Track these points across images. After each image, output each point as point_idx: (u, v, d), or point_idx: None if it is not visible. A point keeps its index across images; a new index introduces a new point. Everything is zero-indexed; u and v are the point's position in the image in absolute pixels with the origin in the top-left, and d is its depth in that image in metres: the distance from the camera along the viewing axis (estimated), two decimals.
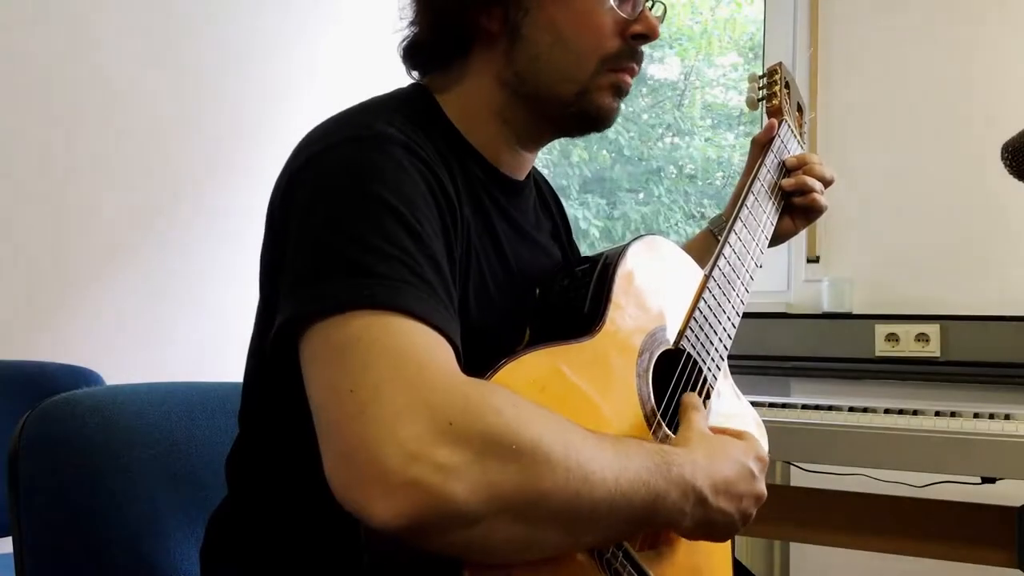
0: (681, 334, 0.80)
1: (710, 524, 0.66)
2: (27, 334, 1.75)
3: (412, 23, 0.82)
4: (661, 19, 0.85)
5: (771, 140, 1.05)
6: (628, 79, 0.81)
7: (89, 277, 1.87)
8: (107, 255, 1.91)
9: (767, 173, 1.03)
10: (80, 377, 1.54)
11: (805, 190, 1.03)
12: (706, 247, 1.03)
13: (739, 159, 0.97)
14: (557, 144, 2.93)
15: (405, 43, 0.82)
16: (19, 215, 1.75)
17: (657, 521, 0.62)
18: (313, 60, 2.40)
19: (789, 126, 1.10)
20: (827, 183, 1.06)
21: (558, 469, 0.55)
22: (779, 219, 1.04)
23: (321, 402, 0.58)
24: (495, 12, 0.78)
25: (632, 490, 0.59)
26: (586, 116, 0.80)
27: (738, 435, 0.74)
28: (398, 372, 0.56)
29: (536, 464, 0.55)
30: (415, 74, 0.84)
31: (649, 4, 0.82)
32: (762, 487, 0.72)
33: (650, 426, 0.72)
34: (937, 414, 1.46)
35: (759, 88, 1.11)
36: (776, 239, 1.04)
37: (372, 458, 0.53)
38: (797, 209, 1.05)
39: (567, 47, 0.77)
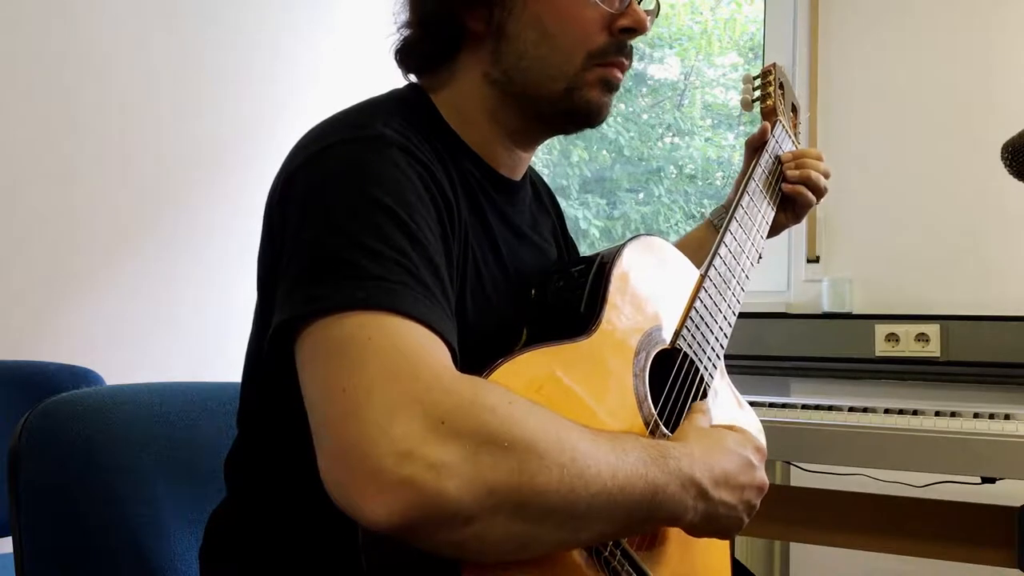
0: (677, 334, 0.80)
1: (714, 518, 0.66)
2: (27, 334, 1.75)
3: (403, 26, 0.82)
4: (655, 13, 0.84)
5: (765, 142, 1.06)
6: (617, 73, 0.80)
7: (89, 277, 1.88)
8: (107, 255, 1.91)
9: (762, 172, 1.03)
10: (80, 377, 1.54)
11: (808, 180, 1.04)
12: (707, 238, 1.04)
13: (739, 159, 0.98)
14: (557, 144, 2.92)
15: (397, 46, 0.83)
16: (19, 215, 1.75)
17: (660, 515, 0.62)
18: (315, 60, 2.41)
19: (783, 126, 1.10)
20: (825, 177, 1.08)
21: (553, 465, 0.55)
22: (775, 214, 1.04)
23: (315, 402, 0.58)
24: (480, 12, 0.78)
25: (630, 484, 0.59)
26: (576, 112, 0.80)
27: (732, 428, 0.75)
28: (391, 371, 0.56)
29: (530, 461, 0.55)
30: (410, 76, 0.84)
31: None
32: (763, 477, 0.72)
33: (647, 425, 0.72)
34: (937, 414, 1.46)
35: (753, 89, 1.12)
36: (771, 231, 1.05)
37: (365, 457, 0.53)
38: (795, 203, 1.06)
39: (552, 44, 0.77)
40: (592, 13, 0.78)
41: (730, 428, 0.74)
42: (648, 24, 0.80)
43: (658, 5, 0.85)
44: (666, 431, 0.74)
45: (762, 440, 0.86)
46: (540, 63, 0.77)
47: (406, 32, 0.82)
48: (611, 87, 0.80)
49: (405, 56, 0.83)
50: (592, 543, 0.63)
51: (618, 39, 0.79)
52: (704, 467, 0.65)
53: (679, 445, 0.66)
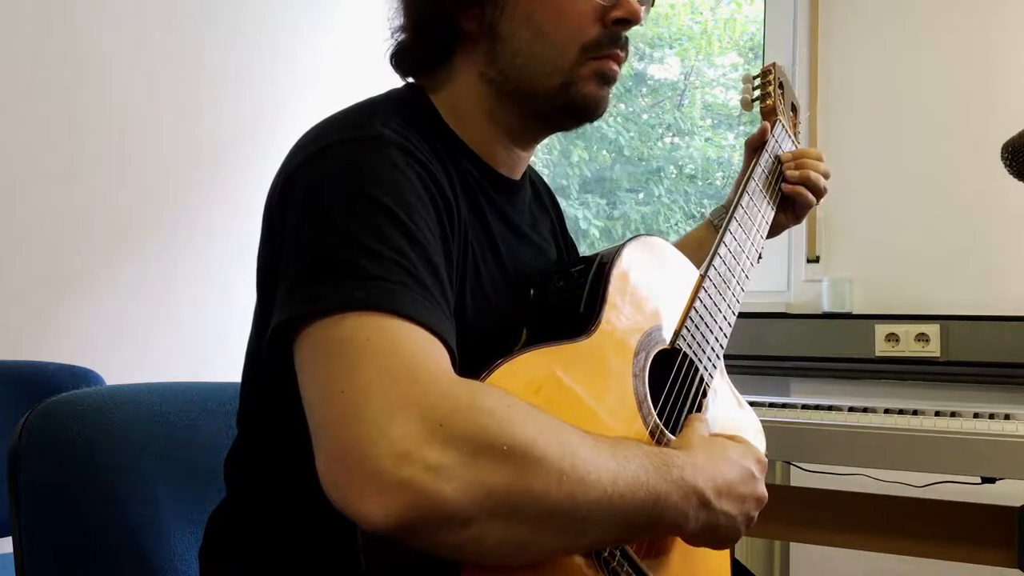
0: (677, 334, 0.80)
1: (714, 528, 0.66)
2: (27, 334, 1.75)
3: (397, 30, 0.82)
4: (650, 3, 0.83)
5: (765, 142, 1.06)
6: (613, 66, 0.80)
7: (89, 277, 1.88)
8: (107, 255, 1.91)
9: (762, 172, 1.03)
10: (80, 377, 1.54)
11: (807, 181, 1.04)
12: (707, 238, 1.04)
13: (739, 159, 0.99)
14: (557, 144, 2.92)
15: (392, 50, 0.83)
16: (19, 215, 1.75)
17: (661, 524, 0.62)
18: (315, 60, 2.41)
19: (783, 126, 1.10)
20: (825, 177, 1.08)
21: (552, 471, 0.55)
22: (775, 214, 1.04)
23: (313, 402, 0.58)
24: (472, 13, 0.78)
25: (630, 492, 0.59)
26: (573, 107, 0.79)
27: (733, 438, 0.74)
28: (389, 372, 0.55)
29: (528, 465, 0.55)
30: (409, 80, 0.84)
31: None
32: (763, 489, 0.72)
33: (647, 426, 0.72)
34: (937, 414, 1.46)
35: (753, 89, 1.12)
36: (771, 232, 1.05)
37: (363, 458, 0.52)
38: (795, 203, 1.06)
39: (546, 39, 0.77)
40: (584, 6, 0.77)
41: (732, 438, 0.74)
42: (642, 14, 0.79)
43: None
44: (665, 431, 0.74)
45: (762, 443, 0.86)
46: (534, 60, 0.77)
47: (401, 36, 0.82)
48: (607, 80, 0.80)
49: (401, 60, 0.83)
50: (593, 548, 0.63)
51: (612, 31, 0.78)
52: (707, 477, 0.65)
53: (682, 454, 0.66)
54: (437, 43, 0.80)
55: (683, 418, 0.77)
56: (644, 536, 0.68)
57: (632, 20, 0.79)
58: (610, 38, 0.79)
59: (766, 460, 0.75)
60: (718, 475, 0.66)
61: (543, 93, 0.78)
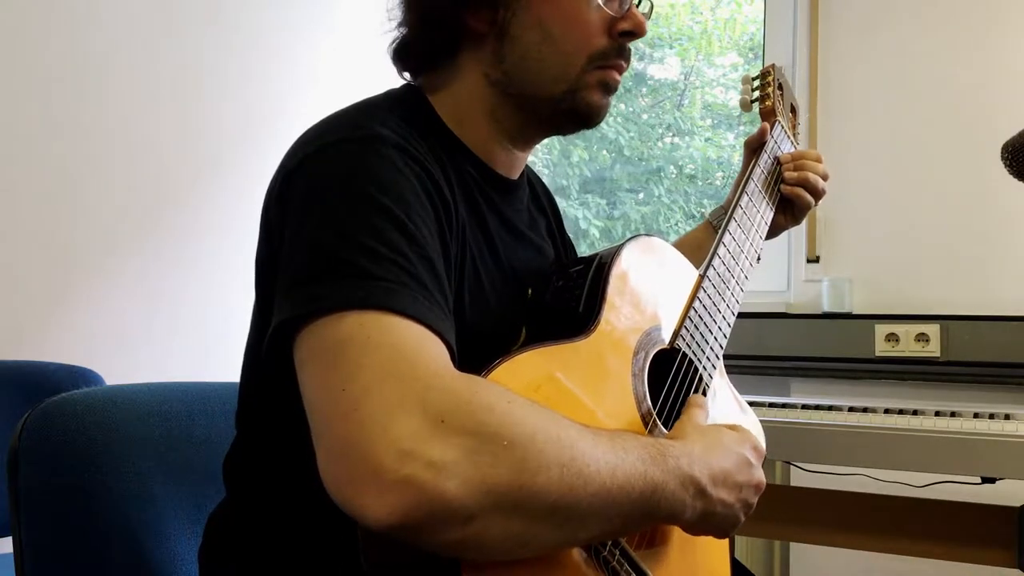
0: (676, 334, 0.80)
1: (712, 516, 0.66)
2: (27, 334, 1.75)
3: (400, 24, 0.82)
4: (648, 16, 0.85)
5: (764, 143, 1.06)
6: (617, 76, 0.81)
7: (89, 277, 1.88)
8: (107, 255, 1.92)
9: (761, 173, 1.04)
10: (80, 377, 1.54)
11: (806, 182, 1.04)
12: (706, 238, 1.04)
13: (739, 159, 0.99)
14: (557, 144, 2.92)
15: (394, 45, 0.83)
16: (19, 215, 1.75)
17: (659, 514, 0.62)
18: (315, 60, 2.41)
19: (782, 127, 1.10)
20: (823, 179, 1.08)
21: (552, 464, 0.55)
22: (774, 215, 1.05)
23: (314, 401, 0.58)
24: (482, 12, 0.78)
25: (629, 483, 0.59)
26: (576, 113, 0.81)
27: (731, 427, 0.75)
28: (389, 370, 0.56)
29: (529, 460, 0.55)
30: (406, 75, 0.84)
31: (636, 1, 0.82)
32: (761, 476, 0.72)
33: (646, 425, 0.73)
34: (937, 414, 1.46)
35: (752, 90, 1.12)
36: (770, 233, 1.05)
37: (364, 456, 0.53)
38: (793, 205, 1.06)
39: (555, 45, 0.78)
40: (594, 16, 0.79)
41: (728, 426, 0.75)
42: (646, 27, 0.81)
43: (651, 7, 0.86)
44: (664, 430, 0.74)
45: (761, 438, 0.86)
46: (542, 64, 0.78)
47: (404, 31, 0.82)
48: (610, 89, 0.81)
49: (402, 56, 0.83)
50: (592, 541, 0.63)
51: (618, 42, 0.80)
52: (703, 465, 0.65)
53: (678, 443, 0.66)
54: (443, 40, 0.80)
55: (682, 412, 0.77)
56: (643, 526, 0.68)
57: (638, 32, 0.81)
58: (616, 49, 0.80)
59: (764, 448, 0.75)
60: (714, 463, 0.66)
61: (547, 98, 0.79)
